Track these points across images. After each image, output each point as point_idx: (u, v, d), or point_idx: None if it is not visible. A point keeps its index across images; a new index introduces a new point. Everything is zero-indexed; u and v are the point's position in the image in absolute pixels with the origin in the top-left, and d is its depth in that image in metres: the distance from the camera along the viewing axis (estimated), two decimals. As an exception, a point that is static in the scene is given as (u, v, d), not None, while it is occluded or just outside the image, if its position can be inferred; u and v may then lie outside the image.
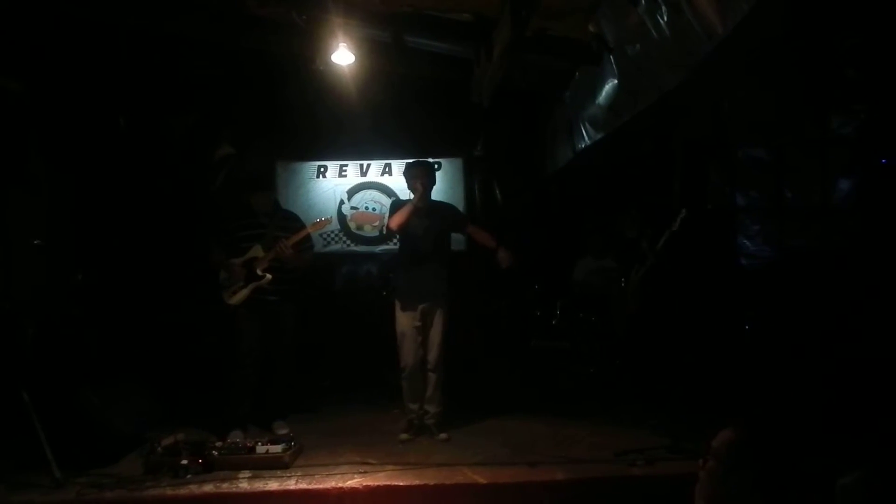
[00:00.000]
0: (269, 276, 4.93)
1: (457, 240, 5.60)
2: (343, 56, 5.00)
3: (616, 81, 4.40)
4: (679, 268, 5.19)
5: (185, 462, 4.11)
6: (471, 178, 7.36)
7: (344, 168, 7.41)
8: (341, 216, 7.34)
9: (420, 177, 4.91)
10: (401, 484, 3.96)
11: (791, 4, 3.62)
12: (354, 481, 3.98)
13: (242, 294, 4.95)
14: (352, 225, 7.38)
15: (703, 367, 5.14)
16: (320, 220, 5.38)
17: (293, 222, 5.24)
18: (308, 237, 5.15)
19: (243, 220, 5.10)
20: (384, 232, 7.20)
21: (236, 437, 4.75)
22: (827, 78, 5.41)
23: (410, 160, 5.23)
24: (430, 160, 5.53)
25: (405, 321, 4.92)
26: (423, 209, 4.91)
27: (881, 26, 4.56)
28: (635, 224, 5.50)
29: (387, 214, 7.05)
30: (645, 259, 5.24)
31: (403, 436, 4.88)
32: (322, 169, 7.39)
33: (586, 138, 5.39)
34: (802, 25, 4.26)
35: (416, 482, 3.98)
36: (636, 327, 5.24)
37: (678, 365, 5.11)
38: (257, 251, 4.98)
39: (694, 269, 5.59)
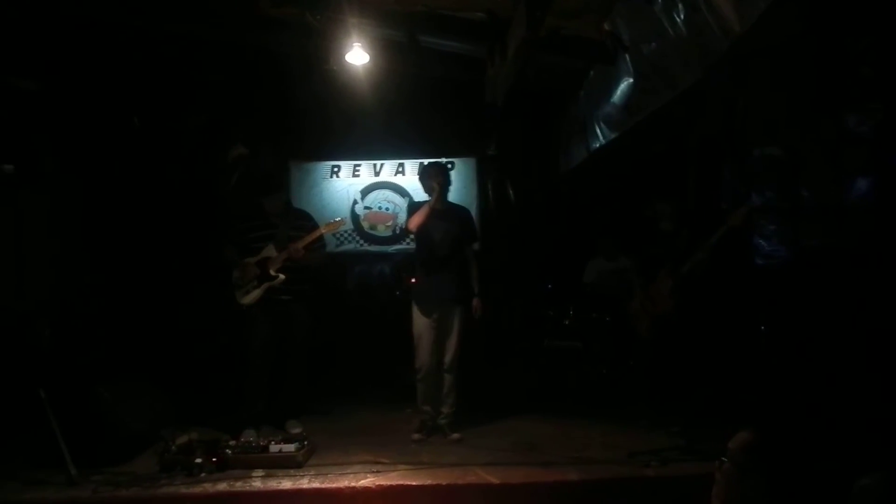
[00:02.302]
0: (282, 276, 4.93)
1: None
2: (357, 56, 5.00)
3: (631, 80, 4.38)
4: (728, 267, 5.03)
5: (199, 460, 4.12)
6: (484, 177, 7.34)
7: (357, 168, 7.41)
8: (354, 216, 7.34)
9: (435, 177, 4.92)
10: (413, 483, 3.96)
11: (807, 3, 3.60)
12: (367, 481, 3.98)
13: (255, 294, 4.96)
14: (365, 224, 7.38)
15: (721, 369, 5.08)
16: (334, 220, 5.36)
17: (306, 221, 5.24)
18: (321, 237, 5.15)
19: (256, 221, 5.11)
20: (397, 232, 7.20)
21: (249, 435, 4.76)
22: (843, 76, 5.36)
23: (425, 160, 5.23)
24: (444, 160, 5.51)
25: (422, 323, 4.92)
26: (440, 211, 4.91)
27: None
28: (673, 217, 5.27)
29: (399, 214, 7.10)
30: (686, 255, 5.00)
31: (416, 435, 4.88)
32: (335, 169, 7.40)
33: (601, 138, 5.36)
34: (818, 23, 4.24)
35: (429, 482, 3.97)
36: (667, 327, 5.08)
37: (702, 367, 5.02)
38: (270, 251, 4.99)
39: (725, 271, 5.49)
